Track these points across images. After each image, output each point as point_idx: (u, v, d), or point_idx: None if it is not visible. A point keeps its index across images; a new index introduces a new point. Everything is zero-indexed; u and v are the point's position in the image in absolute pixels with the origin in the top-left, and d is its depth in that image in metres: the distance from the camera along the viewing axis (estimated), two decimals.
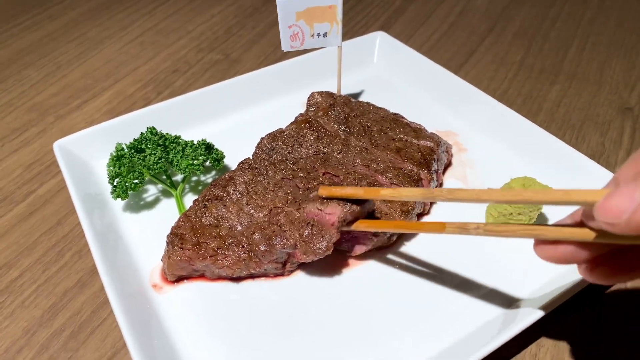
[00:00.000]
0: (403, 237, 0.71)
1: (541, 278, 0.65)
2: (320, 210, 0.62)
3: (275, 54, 1.17)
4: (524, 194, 0.41)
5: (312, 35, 0.82)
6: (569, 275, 0.62)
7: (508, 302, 0.63)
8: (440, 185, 0.79)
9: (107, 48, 1.24)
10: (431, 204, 0.76)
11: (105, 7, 1.42)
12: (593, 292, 0.65)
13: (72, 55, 1.21)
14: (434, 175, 0.75)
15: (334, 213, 0.61)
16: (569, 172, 0.76)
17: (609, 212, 0.32)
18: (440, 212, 0.75)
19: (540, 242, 0.44)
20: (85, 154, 0.83)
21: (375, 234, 0.65)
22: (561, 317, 0.63)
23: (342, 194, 0.60)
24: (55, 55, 1.21)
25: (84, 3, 1.43)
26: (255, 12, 1.37)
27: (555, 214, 0.73)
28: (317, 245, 0.62)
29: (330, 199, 0.62)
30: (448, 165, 0.82)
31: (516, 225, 0.46)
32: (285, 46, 0.81)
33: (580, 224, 0.41)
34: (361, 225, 0.62)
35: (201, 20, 1.34)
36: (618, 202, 0.32)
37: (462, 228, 0.50)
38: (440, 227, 0.53)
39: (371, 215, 0.66)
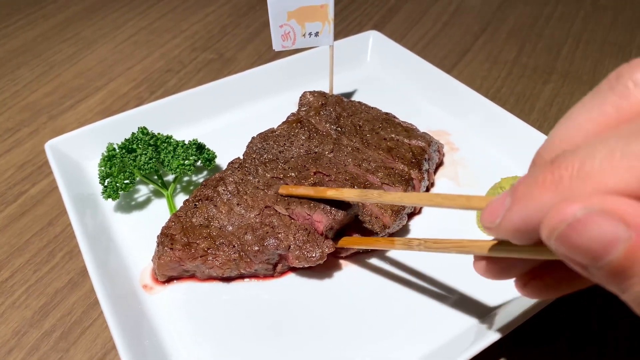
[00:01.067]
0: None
1: None
2: (309, 215, 0.64)
3: (269, 53, 1.17)
4: (435, 199, 0.47)
5: (304, 35, 0.82)
6: None
7: (498, 302, 0.63)
8: (432, 184, 0.79)
9: (101, 47, 1.23)
10: None
11: (99, 6, 1.41)
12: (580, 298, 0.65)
13: (66, 55, 1.21)
14: (425, 175, 0.75)
15: (321, 221, 0.63)
16: None
17: (486, 217, 0.34)
18: (431, 212, 0.75)
19: (477, 259, 0.45)
20: (77, 154, 0.83)
21: (365, 234, 0.65)
22: (552, 319, 0.63)
23: (297, 192, 0.65)
24: (48, 55, 1.21)
25: (78, 2, 1.43)
26: (250, 10, 1.37)
27: None
28: (312, 253, 0.62)
29: (289, 197, 0.66)
30: (440, 164, 0.82)
31: (449, 242, 0.49)
32: (277, 46, 0.81)
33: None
34: (344, 242, 0.65)
35: (195, 19, 1.34)
36: (493, 208, 0.34)
37: (407, 245, 0.55)
38: (390, 243, 0.58)
39: (358, 222, 0.68)
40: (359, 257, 0.69)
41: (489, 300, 0.63)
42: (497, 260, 0.43)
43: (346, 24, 1.28)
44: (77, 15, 1.37)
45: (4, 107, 1.04)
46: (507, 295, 0.63)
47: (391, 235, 0.71)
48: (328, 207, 0.64)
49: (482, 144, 0.85)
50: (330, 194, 0.62)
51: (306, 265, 0.63)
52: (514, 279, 0.44)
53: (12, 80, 1.13)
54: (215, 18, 1.34)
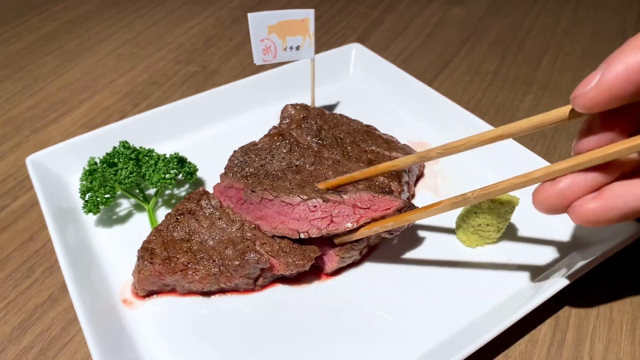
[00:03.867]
0: (370, 252, 0.72)
1: (506, 291, 0.66)
2: (376, 197, 0.65)
3: (253, 65, 1.18)
4: (513, 127, 0.55)
5: (285, 49, 0.82)
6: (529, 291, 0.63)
7: (475, 309, 0.64)
8: (412, 196, 0.80)
9: (85, 60, 1.23)
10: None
11: (83, 19, 1.41)
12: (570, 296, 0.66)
13: (50, 68, 1.21)
14: (405, 187, 0.75)
15: (391, 206, 0.64)
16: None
17: (580, 88, 0.45)
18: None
19: (542, 191, 0.51)
20: (59, 168, 0.83)
21: (347, 252, 0.66)
22: (530, 332, 0.64)
23: (342, 180, 0.67)
24: (32, 68, 1.21)
25: (62, 15, 1.43)
26: (233, 23, 1.38)
27: (525, 222, 0.74)
28: (300, 259, 0.63)
29: (331, 189, 0.67)
30: (420, 176, 0.83)
31: (523, 176, 0.53)
32: (258, 60, 0.82)
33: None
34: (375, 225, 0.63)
35: (179, 32, 1.34)
36: (585, 80, 0.45)
37: (458, 200, 0.57)
38: (435, 207, 0.59)
39: None
40: (340, 271, 0.69)
41: (467, 306, 0.64)
42: (567, 178, 0.48)
43: (331, 35, 1.29)
44: (61, 28, 1.37)
45: None
46: (482, 302, 0.64)
47: (368, 252, 0.72)
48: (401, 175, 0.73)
49: (461, 155, 0.85)
50: (384, 166, 0.64)
51: (294, 272, 0.64)
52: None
53: None
54: (199, 31, 1.35)
